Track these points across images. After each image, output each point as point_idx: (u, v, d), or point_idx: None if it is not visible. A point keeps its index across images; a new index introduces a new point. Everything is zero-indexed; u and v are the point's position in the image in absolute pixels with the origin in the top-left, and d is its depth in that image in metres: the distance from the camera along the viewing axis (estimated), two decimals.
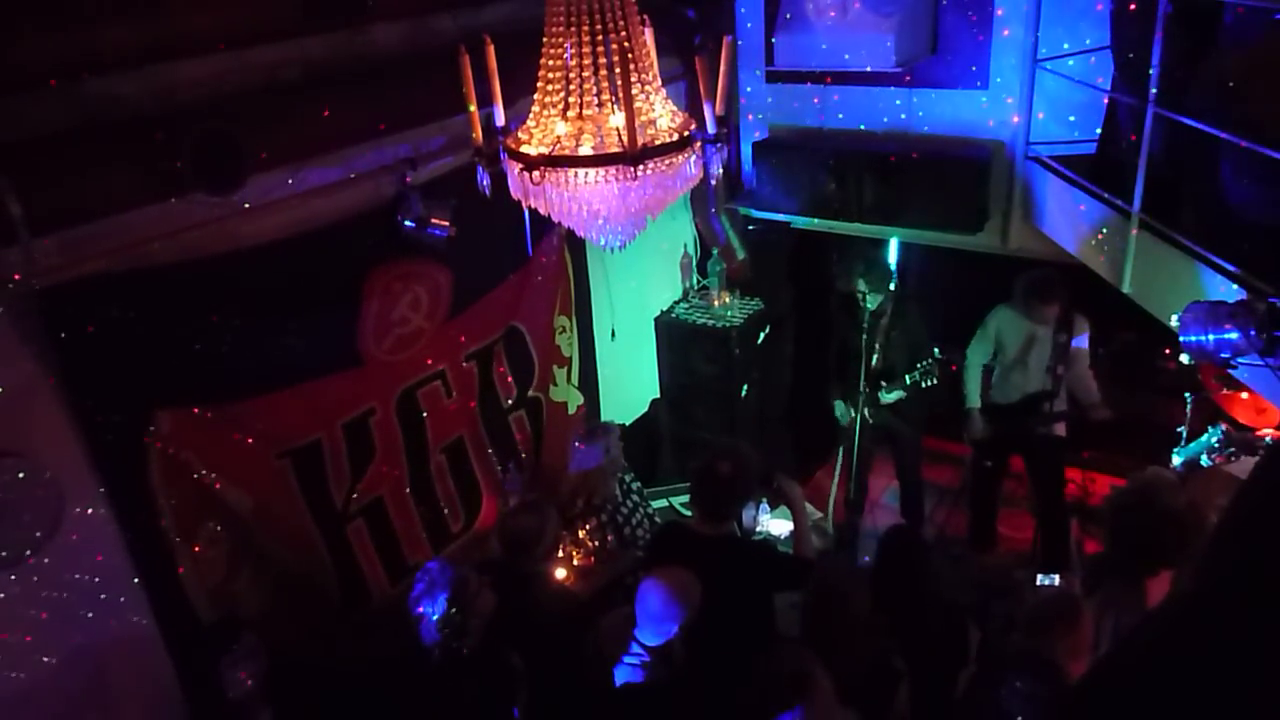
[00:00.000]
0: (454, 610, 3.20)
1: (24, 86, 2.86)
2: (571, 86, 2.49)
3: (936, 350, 5.54)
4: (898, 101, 5.49)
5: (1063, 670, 2.91)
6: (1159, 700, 1.04)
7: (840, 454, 6.19)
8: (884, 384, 5.57)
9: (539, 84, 2.55)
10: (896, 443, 5.93)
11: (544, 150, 2.48)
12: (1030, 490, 5.67)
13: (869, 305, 5.46)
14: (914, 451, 5.95)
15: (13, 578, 3.08)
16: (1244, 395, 5.60)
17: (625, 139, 2.39)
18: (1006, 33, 5.06)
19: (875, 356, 5.55)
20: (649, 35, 2.62)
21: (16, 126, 2.83)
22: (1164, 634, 1.12)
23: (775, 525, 5.46)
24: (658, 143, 2.48)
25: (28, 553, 3.08)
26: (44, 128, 2.91)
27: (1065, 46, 4.83)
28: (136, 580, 3.44)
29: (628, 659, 3.34)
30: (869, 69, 5.08)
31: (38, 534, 3.10)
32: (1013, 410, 5.45)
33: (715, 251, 6.25)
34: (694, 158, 2.59)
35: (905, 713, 3.34)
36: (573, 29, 2.43)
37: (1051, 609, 3.19)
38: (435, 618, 3.21)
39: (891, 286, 5.64)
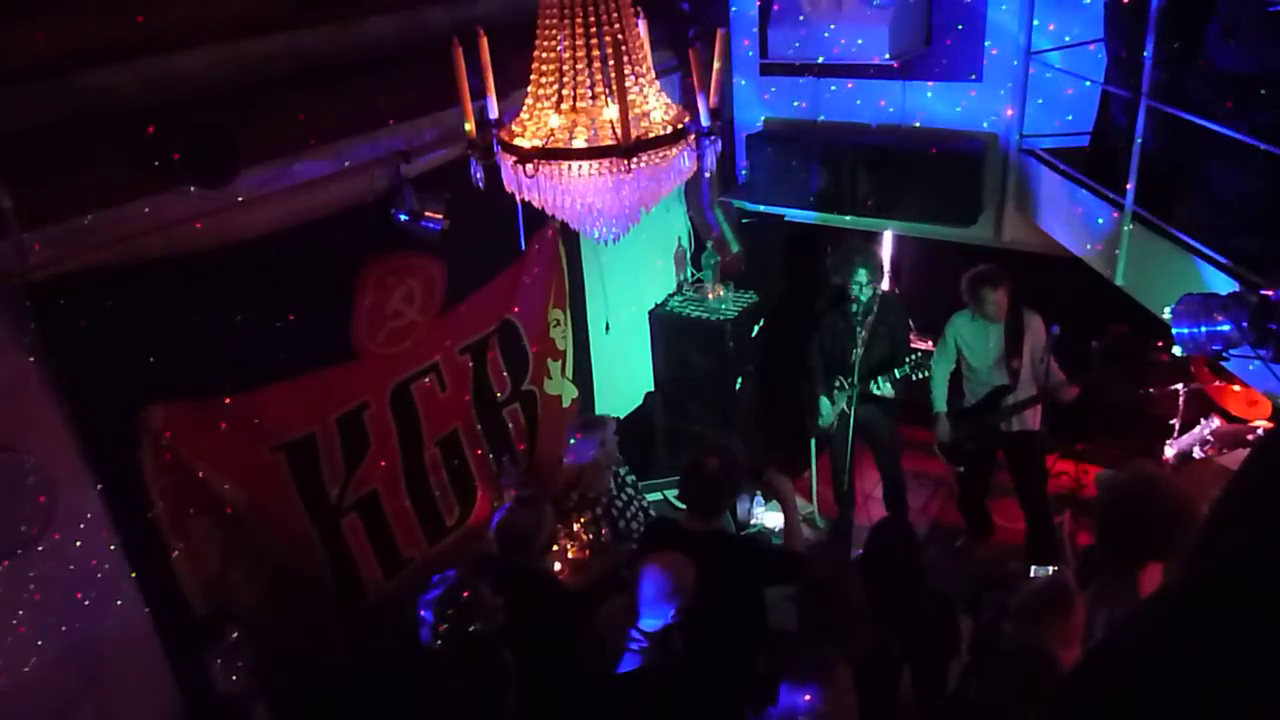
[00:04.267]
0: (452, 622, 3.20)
1: (14, 80, 2.84)
2: (565, 79, 2.48)
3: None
4: (892, 94, 5.50)
5: (1054, 659, 2.92)
6: (1149, 692, 1.05)
7: (814, 448, 6.19)
8: (876, 378, 5.57)
9: (533, 76, 2.55)
10: (874, 435, 5.93)
11: (538, 143, 2.48)
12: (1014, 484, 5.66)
13: (864, 299, 5.46)
14: (892, 443, 5.93)
15: (5, 573, 3.07)
16: (1236, 388, 5.62)
17: (619, 132, 2.38)
18: (1000, 26, 5.07)
19: (859, 352, 5.55)
20: (643, 28, 2.61)
21: (7, 120, 2.81)
22: (1153, 625, 1.12)
23: (769, 518, 5.47)
24: (651, 135, 2.48)
25: (20, 547, 3.08)
26: (35, 121, 2.89)
27: (1047, 27, 4.84)
28: (130, 574, 3.43)
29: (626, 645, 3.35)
30: (863, 61, 5.08)
31: (30, 529, 3.09)
32: (975, 410, 5.44)
33: (709, 244, 6.24)
34: (688, 150, 2.58)
35: (910, 698, 3.37)
36: (566, 21, 2.43)
37: (1042, 597, 3.20)
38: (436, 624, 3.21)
39: (884, 283, 5.65)
